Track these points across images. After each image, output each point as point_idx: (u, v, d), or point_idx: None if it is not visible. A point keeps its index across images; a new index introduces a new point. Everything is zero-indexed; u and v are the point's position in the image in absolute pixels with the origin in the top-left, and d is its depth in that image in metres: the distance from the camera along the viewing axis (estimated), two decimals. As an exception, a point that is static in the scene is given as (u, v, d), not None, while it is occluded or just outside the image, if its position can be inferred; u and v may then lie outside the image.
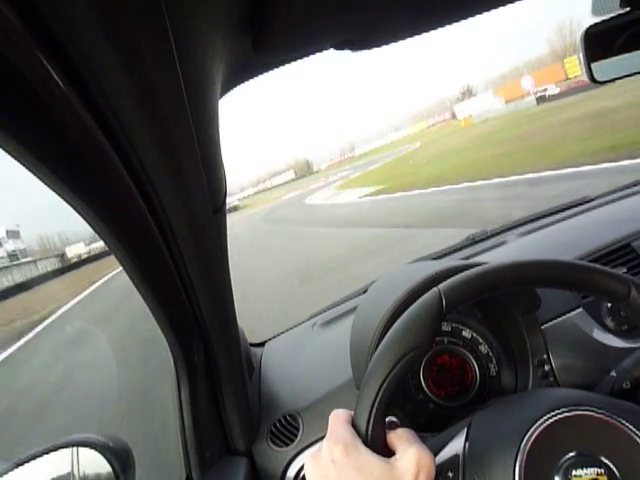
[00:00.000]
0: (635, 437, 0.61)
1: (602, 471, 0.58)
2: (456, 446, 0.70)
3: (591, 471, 0.58)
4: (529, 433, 0.63)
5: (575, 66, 53.40)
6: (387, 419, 0.70)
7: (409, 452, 0.62)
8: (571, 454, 0.60)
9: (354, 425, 0.68)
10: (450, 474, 0.68)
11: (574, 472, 0.59)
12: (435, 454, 0.68)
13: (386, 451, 0.65)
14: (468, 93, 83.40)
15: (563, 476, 0.59)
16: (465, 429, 0.72)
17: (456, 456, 0.69)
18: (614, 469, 0.58)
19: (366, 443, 0.65)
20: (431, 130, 69.61)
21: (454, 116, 70.54)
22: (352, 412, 0.71)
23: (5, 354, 9.91)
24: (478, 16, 0.77)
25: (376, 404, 0.66)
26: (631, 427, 0.61)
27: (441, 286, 0.74)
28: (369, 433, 0.66)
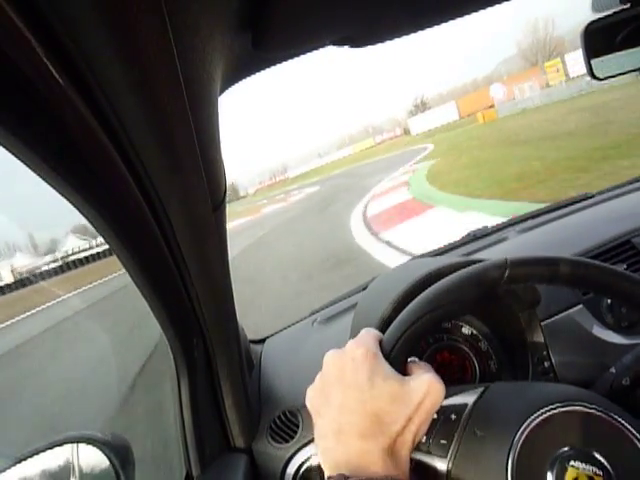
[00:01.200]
0: (628, 433, 0.61)
1: (595, 467, 0.58)
2: (468, 398, 0.72)
3: (585, 467, 0.58)
4: (522, 427, 0.64)
5: (558, 70, 43.53)
6: (410, 359, 0.72)
7: (423, 377, 0.64)
8: (565, 449, 0.60)
9: (381, 345, 0.70)
10: (453, 416, 0.70)
11: (567, 466, 0.59)
12: (447, 396, 0.70)
13: (403, 373, 0.67)
14: (422, 106, 75.31)
15: (556, 470, 0.59)
16: (481, 389, 0.73)
17: (464, 405, 0.71)
18: (607, 464, 0.58)
19: (387, 359, 0.67)
20: (380, 147, 60.06)
21: (407, 132, 64.15)
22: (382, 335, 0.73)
23: None
24: (475, 13, 0.77)
25: (409, 330, 0.69)
26: (625, 423, 0.62)
27: (511, 259, 0.75)
28: (393, 351, 0.68)
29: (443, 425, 0.69)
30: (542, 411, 0.65)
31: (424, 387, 0.63)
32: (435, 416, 0.67)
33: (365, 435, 0.60)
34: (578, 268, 0.74)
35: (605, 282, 0.75)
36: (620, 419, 0.62)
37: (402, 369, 0.68)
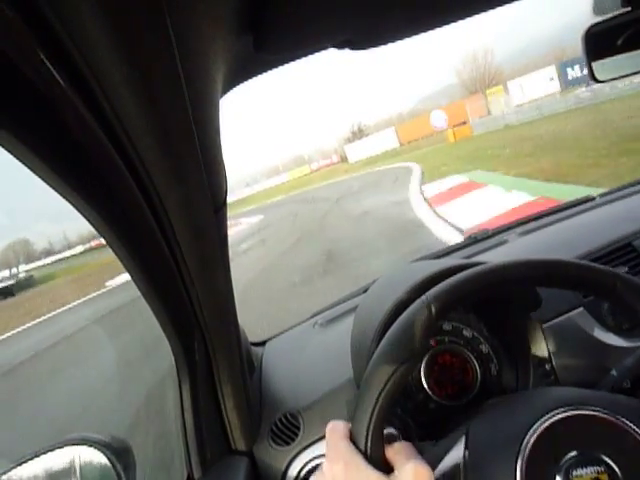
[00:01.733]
0: (636, 435, 0.61)
1: (603, 470, 0.58)
2: (455, 455, 0.70)
3: (592, 470, 0.58)
4: (529, 434, 0.63)
5: (500, 98, 38.95)
6: (385, 431, 0.69)
7: (407, 467, 0.62)
8: (572, 453, 0.60)
9: (352, 439, 0.68)
10: None
11: (575, 471, 0.58)
12: (435, 465, 0.69)
13: (385, 466, 0.65)
14: (359, 133, 71.04)
15: (565, 476, 0.59)
16: (463, 437, 0.71)
17: (456, 466, 0.68)
18: (615, 468, 0.58)
19: (366, 458, 0.65)
20: (317, 175, 54.75)
21: (344, 159, 58.17)
22: (349, 425, 0.70)
23: None
24: (477, 15, 0.77)
25: (373, 420, 0.66)
26: (632, 425, 0.61)
27: (428, 294, 0.74)
28: (368, 450, 0.65)
29: None
30: (545, 418, 0.64)
31: (411, 479, 0.61)
32: None
33: None
34: (494, 272, 0.75)
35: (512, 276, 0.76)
36: (626, 420, 0.62)
37: (382, 461, 0.66)
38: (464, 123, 37.24)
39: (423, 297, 0.74)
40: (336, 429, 0.71)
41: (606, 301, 0.76)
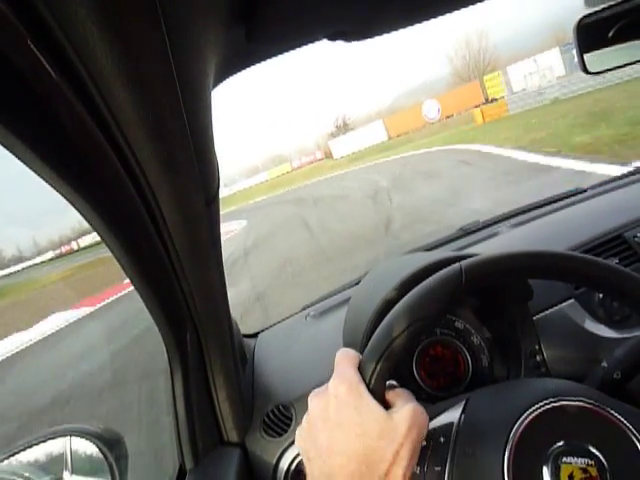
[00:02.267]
0: (623, 426, 0.61)
1: (590, 460, 0.59)
2: (452, 415, 0.71)
3: (579, 460, 0.59)
4: (519, 421, 0.64)
5: (498, 85, 36.61)
6: (388, 382, 0.70)
7: (406, 407, 0.64)
8: (559, 444, 0.60)
9: (360, 370, 0.69)
10: (442, 439, 0.69)
11: (562, 462, 0.59)
12: (431, 419, 0.69)
13: (385, 404, 0.66)
14: (344, 127, 64.65)
15: (551, 466, 0.59)
16: (463, 402, 0.73)
17: (450, 424, 0.70)
18: (602, 458, 0.59)
19: (368, 388, 0.66)
20: (299, 172, 50.63)
21: (328, 155, 53.23)
22: (360, 356, 0.72)
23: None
24: (472, 6, 0.77)
25: (382, 359, 0.67)
26: (619, 416, 0.62)
27: (464, 262, 0.74)
28: (372, 383, 0.67)
29: (433, 451, 0.68)
30: (534, 408, 0.65)
31: (408, 419, 0.62)
32: (424, 443, 0.67)
33: (355, 477, 0.60)
34: (535, 259, 0.75)
35: (564, 268, 0.75)
36: (613, 411, 0.63)
37: (383, 398, 0.67)
38: (491, 101, 33.51)
39: (458, 264, 0.74)
40: (348, 355, 0.73)
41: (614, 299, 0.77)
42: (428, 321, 0.69)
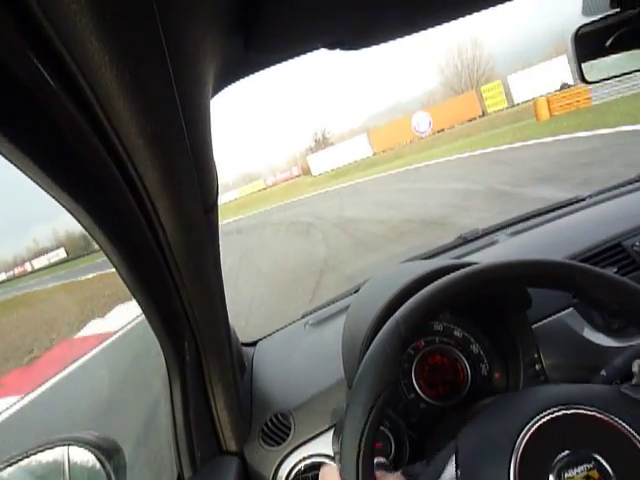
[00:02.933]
0: (627, 433, 0.61)
1: (595, 468, 0.58)
2: (448, 476, 0.69)
3: (585, 468, 0.59)
4: (521, 437, 0.63)
5: (498, 95, 33.46)
6: (375, 460, 0.70)
7: None
8: (564, 453, 0.60)
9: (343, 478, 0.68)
10: None
11: (568, 471, 0.59)
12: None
13: None
14: (323, 142, 58.34)
15: (557, 475, 0.59)
16: (453, 456, 0.71)
17: None
18: (607, 466, 0.58)
19: None
20: (274, 190, 44.89)
21: (306, 171, 47.84)
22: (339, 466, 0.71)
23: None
24: (469, 16, 0.77)
25: (361, 457, 0.66)
26: (622, 423, 0.62)
27: (396, 315, 0.75)
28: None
29: None
30: (537, 419, 0.65)
31: None
32: None
33: None
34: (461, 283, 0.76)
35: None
36: (616, 417, 0.62)
37: None
38: (568, 86, 25.34)
39: (391, 319, 0.75)
40: (328, 473, 0.76)
41: (570, 293, 0.76)
42: (386, 393, 0.69)
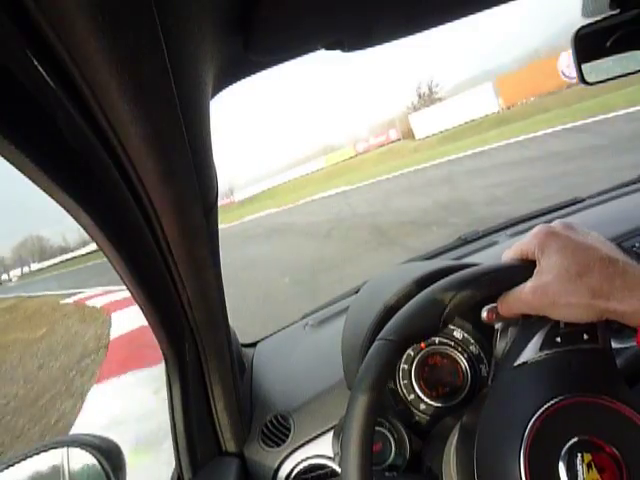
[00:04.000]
0: (637, 420, 0.61)
1: (606, 455, 0.58)
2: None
3: (595, 456, 0.59)
4: (529, 425, 0.63)
5: None
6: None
7: None
8: (574, 440, 0.60)
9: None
10: None
11: (578, 458, 0.59)
12: None
13: None
14: (430, 97, 46.72)
15: (567, 463, 0.59)
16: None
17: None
18: (617, 453, 0.58)
19: None
20: (365, 158, 37.70)
21: (406, 135, 38.27)
22: None
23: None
24: (471, 16, 0.78)
25: (361, 458, 0.66)
26: (633, 410, 0.62)
27: (383, 332, 0.75)
28: None
29: None
30: (546, 407, 0.65)
31: None
32: None
33: None
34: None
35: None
36: (626, 405, 0.62)
37: None
38: None
39: (380, 336, 0.74)
40: None
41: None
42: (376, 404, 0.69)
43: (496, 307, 0.77)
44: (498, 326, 0.81)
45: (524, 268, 0.74)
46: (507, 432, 0.66)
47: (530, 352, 0.72)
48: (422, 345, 1.13)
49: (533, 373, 0.71)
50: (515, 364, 0.73)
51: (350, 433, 0.67)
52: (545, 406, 0.65)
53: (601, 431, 0.61)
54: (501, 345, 0.82)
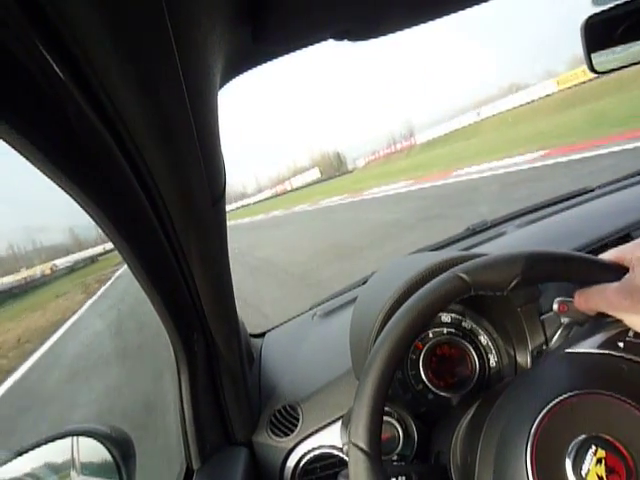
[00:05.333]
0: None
1: (613, 452, 0.58)
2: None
3: (602, 453, 0.58)
4: (535, 423, 0.63)
5: None
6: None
7: None
8: (581, 437, 0.60)
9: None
10: None
11: (585, 455, 0.59)
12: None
13: None
14: None
15: (574, 460, 0.59)
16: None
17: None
18: (623, 450, 0.58)
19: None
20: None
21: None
22: None
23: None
24: (477, 6, 0.77)
25: (370, 447, 0.66)
26: (637, 405, 0.62)
27: (458, 269, 0.74)
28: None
29: None
30: (557, 400, 0.64)
31: None
32: None
33: None
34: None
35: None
36: (632, 401, 0.62)
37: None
38: None
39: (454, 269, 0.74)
40: None
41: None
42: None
43: (570, 300, 0.77)
44: (565, 320, 0.82)
45: (615, 270, 0.73)
46: (511, 432, 0.66)
47: (587, 344, 0.71)
48: (429, 335, 1.13)
49: (575, 362, 0.71)
50: (567, 350, 0.73)
51: (362, 400, 0.68)
52: (549, 405, 0.65)
53: (607, 427, 0.60)
54: (560, 339, 0.82)
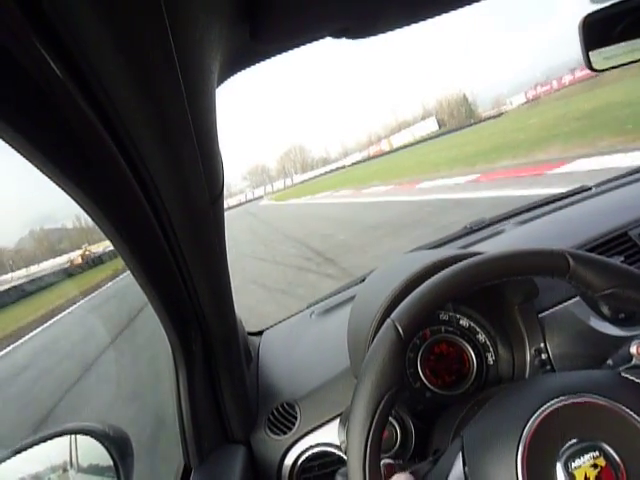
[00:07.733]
0: (631, 419, 0.61)
1: (603, 456, 0.58)
2: (456, 474, 0.69)
3: (592, 457, 0.58)
4: (527, 427, 0.63)
5: None
6: (382, 462, 0.71)
7: None
8: (571, 442, 0.60)
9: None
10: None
11: (575, 460, 0.59)
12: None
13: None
14: None
15: (565, 464, 0.59)
16: (460, 453, 0.70)
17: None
18: (614, 454, 0.58)
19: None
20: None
21: None
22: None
23: None
24: (476, 4, 0.77)
25: (367, 465, 0.65)
26: (629, 411, 0.62)
27: (393, 316, 0.74)
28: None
29: None
30: (543, 408, 0.64)
31: None
32: None
33: None
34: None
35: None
36: (622, 405, 0.62)
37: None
38: None
39: (389, 319, 0.74)
40: None
41: (564, 280, 0.76)
42: (396, 387, 0.69)
43: None
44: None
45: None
46: (502, 437, 0.66)
47: None
48: (427, 334, 1.13)
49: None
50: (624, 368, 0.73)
51: (357, 417, 0.68)
52: (540, 410, 0.65)
53: (598, 431, 0.61)
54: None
